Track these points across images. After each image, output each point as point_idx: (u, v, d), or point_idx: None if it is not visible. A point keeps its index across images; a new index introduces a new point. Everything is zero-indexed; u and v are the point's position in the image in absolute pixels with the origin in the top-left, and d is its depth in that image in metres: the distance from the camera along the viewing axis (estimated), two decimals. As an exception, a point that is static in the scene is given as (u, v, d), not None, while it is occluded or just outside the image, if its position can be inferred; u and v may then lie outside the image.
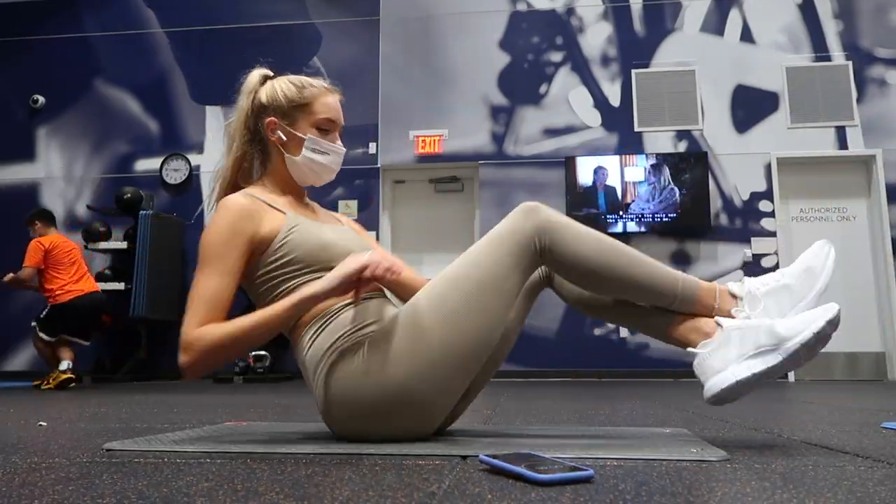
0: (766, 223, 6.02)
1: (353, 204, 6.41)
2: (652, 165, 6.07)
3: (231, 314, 1.40)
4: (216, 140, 6.69)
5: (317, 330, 1.39)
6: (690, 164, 6.05)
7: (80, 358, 5.12)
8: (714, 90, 6.24)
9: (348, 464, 1.12)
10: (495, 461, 1.02)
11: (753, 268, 5.91)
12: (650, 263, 1.38)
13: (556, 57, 6.46)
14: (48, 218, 5.25)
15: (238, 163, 1.53)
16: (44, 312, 4.88)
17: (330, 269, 1.39)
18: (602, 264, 1.35)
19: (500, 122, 6.42)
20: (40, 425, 1.90)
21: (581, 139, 6.31)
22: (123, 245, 6.23)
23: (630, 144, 6.25)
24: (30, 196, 6.82)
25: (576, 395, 3.51)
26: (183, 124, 6.78)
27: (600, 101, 6.36)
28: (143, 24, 6.99)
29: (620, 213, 6.05)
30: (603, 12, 6.49)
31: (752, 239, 6.00)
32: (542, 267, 1.50)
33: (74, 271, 4.98)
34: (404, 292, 1.51)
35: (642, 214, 6.02)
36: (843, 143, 6.05)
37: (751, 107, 6.20)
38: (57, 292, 4.84)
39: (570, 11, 6.52)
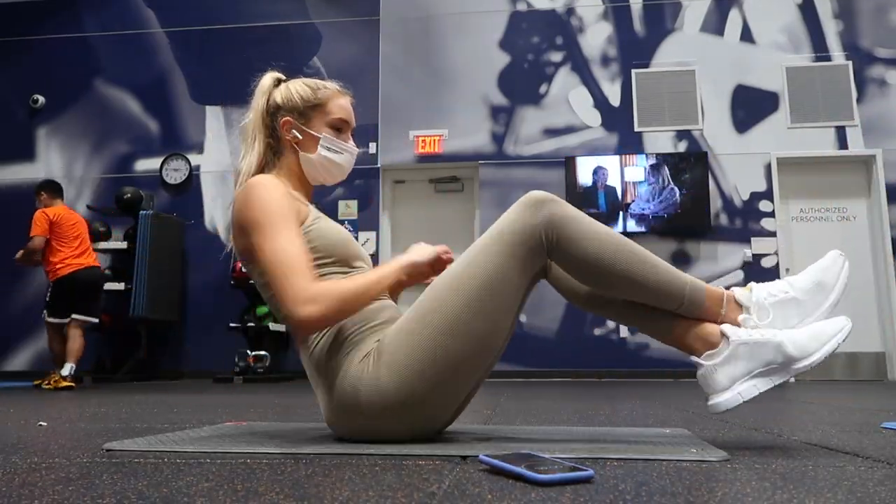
0: (766, 223, 6.02)
1: (353, 204, 6.41)
2: (652, 165, 6.07)
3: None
4: (216, 140, 6.69)
5: (321, 333, 1.38)
6: (690, 164, 6.05)
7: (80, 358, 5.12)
8: (714, 90, 6.25)
9: (348, 464, 1.12)
10: (495, 461, 1.02)
11: (753, 268, 5.91)
12: (660, 265, 1.34)
13: (556, 57, 6.46)
14: (55, 189, 5.21)
15: (263, 156, 1.53)
16: (48, 295, 4.87)
17: (346, 263, 1.43)
18: (611, 263, 1.31)
19: (500, 122, 6.42)
20: (40, 425, 1.90)
21: (581, 139, 6.32)
22: (123, 245, 6.23)
23: (630, 144, 6.25)
24: (30, 196, 6.79)
25: (576, 395, 3.51)
26: (183, 124, 6.79)
27: (600, 101, 6.36)
28: (143, 24, 6.99)
29: (620, 213, 6.05)
30: (603, 12, 6.49)
31: (752, 239, 6.00)
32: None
33: (77, 245, 4.98)
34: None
35: (642, 214, 6.02)
36: (843, 143, 6.05)
37: (751, 107, 6.20)
38: (58, 266, 4.84)
39: (570, 11, 6.52)
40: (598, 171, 6.13)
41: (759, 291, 1.34)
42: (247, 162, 1.51)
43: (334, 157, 1.53)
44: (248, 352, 5.72)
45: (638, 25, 6.45)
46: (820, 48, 6.22)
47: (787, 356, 1.25)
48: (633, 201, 6.05)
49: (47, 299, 4.88)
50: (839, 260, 1.33)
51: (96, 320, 5.11)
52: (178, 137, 6.77)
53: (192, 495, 0.87)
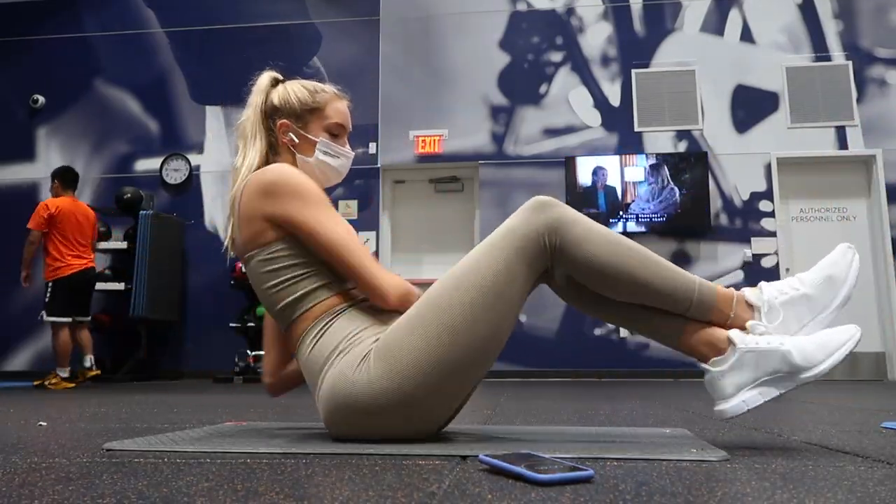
0: (766, 223, 6.02)
1: (354, 204, 6.41)
2: (652, 165, 6.07)
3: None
4: (216, 140, 6.70)
5: (318, 332, 1.37)
6: (690, 164, 6.05)
7: (76, 357, 5.15)
8: (714, 90, 6.25)
9: (348, 464, 1.12)
10: (495, 461, 1.02)
11: (753, 268, 5.91)
12: (667, 267, 1.32)
13: (556, 57, 6.47)
14: (67, 179, 5.13)
15: (265, 154, 1.52)
16: (47, 296, 4.86)
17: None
18: (616, 267, 1.29)
19: (500, 122, 6.42)
20: (40, 425, 1.90)
21: (581, 139, 6.32)
22: (123, 245, 6.23)
23: (630, 144, 6.25)
24: (30, 196, 6.82)
25: (576, 395, 3.51)
26: (183, 124, 6.79)
27: (600, 101, 6.36)
28: (143, 24, 6.99)
29: (620, 213, 6.05)
30: (603, 12, 6.49)
31: (752, 239, 6.00)
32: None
33: (78, 243, 4.97)
34: None
35: (642, 214, 6.02)
36: (843, 143, 6.05)
37: (751, 107, 6.20)
38: (58, 265, 4.85)
39: (570, 11, 6.52)
40: (597, 172, 6.13)
41: (769, 290, 1.32)
42: (249, 158, 1.50)
43: (331, 161, 1.53)
44: (248, 352, 5.72)
45: (638, 25, 6.45)
46: (820, 48, 6.22)
47: (793, 366, 1.24)
48: (633, 201, 6.05)
49: (46, 300, 4.88)
50: (848, 253, 1.31)
51: (88, 318, 5.14)
52: (178, 137, 6.77)
53: (192, 495, 0.87)
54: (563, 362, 5.93)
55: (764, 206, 6.04)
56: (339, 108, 1.54)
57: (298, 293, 1.39)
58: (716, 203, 6.07)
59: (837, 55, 6.18)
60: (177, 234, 6.43)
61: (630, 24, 6.46)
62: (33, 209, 6.23)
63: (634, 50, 6.41)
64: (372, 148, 6.49)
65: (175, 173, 6.69)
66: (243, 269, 1.45)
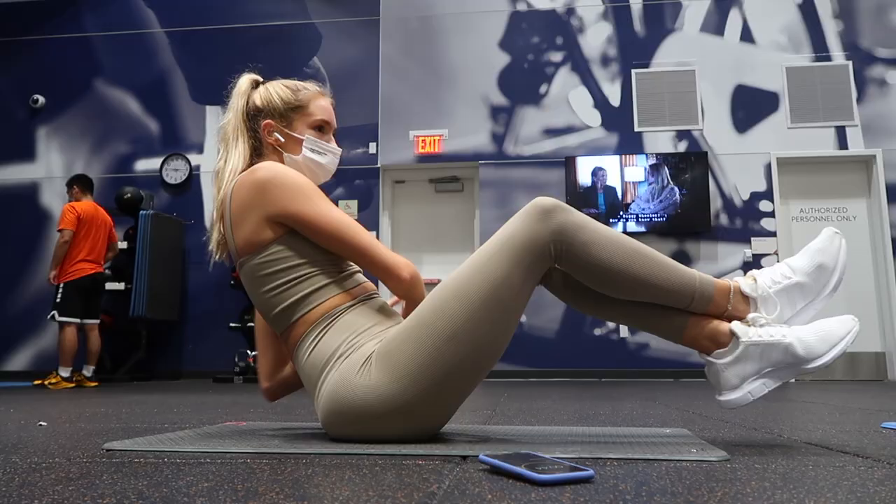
0: (766, 223, 6.02)
1: (354, 204, 6.41)
2: (652, 165, 6.07)
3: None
4: (216, 140, 6.68)
5: (317, 336, 1.37)
6: (690, 164, 6.05)
7: (80, 358, 5.16)
8: (714, 90, 6.25)
9: (348, 464, 1.12)
10: (495, 461, 1.02)
11: (753, 268, 5.89)
12: (669, 264, 1.34)
13: (556, 57, 6.46)
14: (86, 184, 5.30)
15: (249, 157, 1.50)
16: (58, 297, 4.94)
17: (340, 259, 1.43)
18: (620, 268, 1.30)
19: (500, 122, 6.42)
20: (40, 425, 1.90)
21: (581, 139, 6.32)
22: (123, 245, 6.23)
23: (630, 144, 6.25)
24: (30, 196, 6.82)
25: (576, 395, 3.51)
26: (183, 124, 6.79)
27: (600, 101, 6.36)
28: (143, 24, 6.99)
29: (620, 213, 6.05)
30: (603, 12, 6.49)
31: (752, 239, 6.00)
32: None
33: (94, 247, 5.10)
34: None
35: (642, 214, 6.02)
36: (843, 143, 6.05)
37: (751, 107, 6.20)
38: (68, 269, 4.96)
39: (570, 11, 6.52)
40: (597, 172, 6.13)
41: (762, 280, 1.35)
42: (232, 162, 1.48)
43: (318, 158, 1.53)
44: (248, 352, 5.72)
45: (638, 25, 6.45)
46: (820, 48, 6.22)
47: (796, 357, 1.27)
48: (633, 201, 6.05)
49: (57, 300, 4.95)
50: (836, 239, 1.33)
51: (97, 321, 5.23)
52: (178, 137, 6.77)
53: (192, 495, 0.87)
54: (563, 362, 5.93)
55: (764, 206, 6.04)
56: (322, 105, 1.54)
57: (296, 297, 1.38)
58: (716, 203, 6.07)
59: (837, 55, 6.18)
60: (177, 234, 6.43)
61: (630, 24, 6.46)
62: (33, 209, 6.25)
63: (634, 50, 6.41)
64: (372, 148, 6.49)
65: (175, 173, 6.69)
66: (238, 267, 1.43)
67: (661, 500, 0.83)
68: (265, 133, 1.51)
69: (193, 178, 6.67)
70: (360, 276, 1.48)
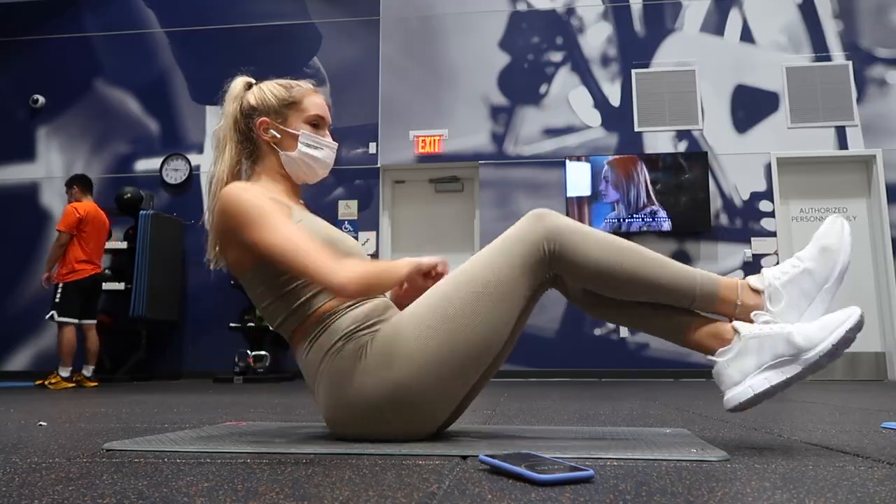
0: (766, 223, 6.02)
1: (354, 204, 6.41)
2: (652, 166, 6.07)
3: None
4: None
5: (318, 331, 1.38)
6: (690, 164, 6.05)
7: (80, 358, 5.18)
8: (714, 90, 6.25)
9: (348, 464, 1.12)
10: (495, 461, 1.02)
11: (754, 268, 5.91)
12: (665, 262, 1.35)
13: (556, 57, 6.46)
14: (86, 184, 5.29)
15: (235, 165, 1.53)
16: (57, 297, 4.95)
17: None
18: (614, 266, 1.32)
19: (500, 122, 6.42)
20: (40, 425, 1.90)
21: (581, 139, 6.32)
22: (123, 245, 6.23)
23: (630, 144, 6.25)
24: (30, 196, 6.82)
25: (576, 395, 3.51)
26: (183, 124, 6.79)
27: (600, 101, 6.36)
28: (143, 24, 6.99)
29: (620, 213, 6.05)
30: (603, 12, 6.49)
31: (752, 239, 6.00)
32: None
33: (93, 248, 5.11)
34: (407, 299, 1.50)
35: (643, 215, 6.02)
36: (843, 143, 6.05)
37: (751, 107, 6.20)
38: (68, 270, 4.96)
39: (570, 11, 6.52)
40: (597, 172, 6.12)
41: (770, 273, 1.34)
42: (219, 169, 1.51)
43: (315, 152, 1.53)
44: (248, 352, 5.72)
45: (638, 25, 6.45)
46: (820, 48, 6.22)
47: (796, 347, 1.24)
48: (633, 201, 6.05)
49: (56, 300, 4.95)
50: (837, 222, 1.33)
51: (94, 321, 5.23)
52: (178, 137, 6.77)
53: (192, 495, 0.87)
54: (563, 362, 5.93)
55: (764, 206, 6.04)
56: (316, 101, 1.55)
57: (294, 305, 1.40)
58: (716, 203, 6.07)
59: (837, 55, 6.18)
60: (177, 234, 6.43)
61: (630, 24, 6.46)
62: (33, 209, 6.26)
63: (634, 50, 6.41)
64: (372, 148, 6.49)
65: (175, 173, 6.69)
66: (234, 282, 1.45)
67: (661, 500, 0.83)
68: (261, 131, 1.52)
69: (193, 178, 6.67)
70: None
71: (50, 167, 6.86)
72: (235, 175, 1.53)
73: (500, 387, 4.39)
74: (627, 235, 5.99)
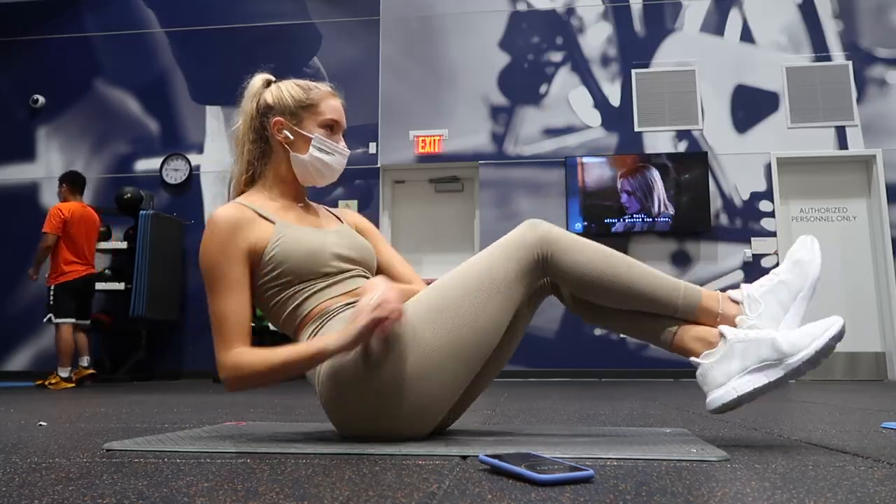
0: (766, 223, 6.02)
1: (353, 204, 6.41)
2: (652, 165, 6.07)
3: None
4: (216, 140, 6.70)
5: (317, 327, 1.40)
6: (690, 164, 6.05)
7: (77, 359, 5.19)
8: (714, 90, 6.25)
9: (348, 464, 1.12)
10: (495, 461, 1.02)
11: (753, 268, 5.91)
12: (651, 273, 1.40)
13: (556, 57, 6.46)
14: (75, 183, 5.23)
15: (249, 166, 1.55)
16: (51, 300, 4.95)
17: (320, 275, 1.43)
18: (602, 274, 1.37)
19: (500, 122, 6.42)
20: (40, 425, 1.90)
21: (581, 139, 6.31)
22: (123, 245, 6.23)
23: (630, 144, 6.25)
24: (30, 196, 6.82)
25: (576, 395, 3.51)
26: (183, 124, 6.79)
27: (600, 101, 6.36)
28: (143, 24, 6.99)
29: (620, 213, 6.05)
30: (603, 12, 6.49)
31: (752, 239, 6.00)
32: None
33: (84, 249, 5.09)
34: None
35: (643, 215, 6.02)
36: (843, 143, 6.05)
37: (751, 107, 6.20)
38: (64, 269, 4.95)
39: (570, 11, 6.52)
40: (597, 172, 6.12)
41: (749, 287, 1.41)
42: (237, 170, 1.55)
43: (325, 157, 1.53)
44: (248, 352, 5.71)
45: (638, 25, 6.45)
46: (820, 48, 6.22)
47: (780, 352, 1.28)
48: (633, 202, 6.05)
49: (50, 303, 4.95)
50: (807, 239, 1.41)
51: (87, 322, 5.25)
52: (178, 137, 6.77)
53: (192, 495, 0.87)
54: (563, 362, 5.93)
55: (764, 206, 6.04)
56: (333, 105, 1.55)
57: (294, 305, 1.43)
58: (716, 203, 6.07)
59: (837, 55, 6.18)
60: (177, 234, 6.43)
61: (630, 24, 6.46)
62: (33, 209, 6.27)
63: (634, 50, 6.41)
64: (372, 148, 6.49)
65: (175, 173, 6.69)
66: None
67: (661, 500, 0.83)
68: (274, 130, 1.52)
69: (193, 178, 6.67)
70: (355, 282, 1.47)
71: (50, 167, 6.86)
72: (249, 175, 1.55)
73: (500, 387, 4.39)
74: (628, 236, 5.99)
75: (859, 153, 6.03)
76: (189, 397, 3.36)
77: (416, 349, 1.31)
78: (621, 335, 5.91)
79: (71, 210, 5.04)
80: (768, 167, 6.08)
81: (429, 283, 1.48)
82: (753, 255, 5.96)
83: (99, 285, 5.67)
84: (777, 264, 5.91)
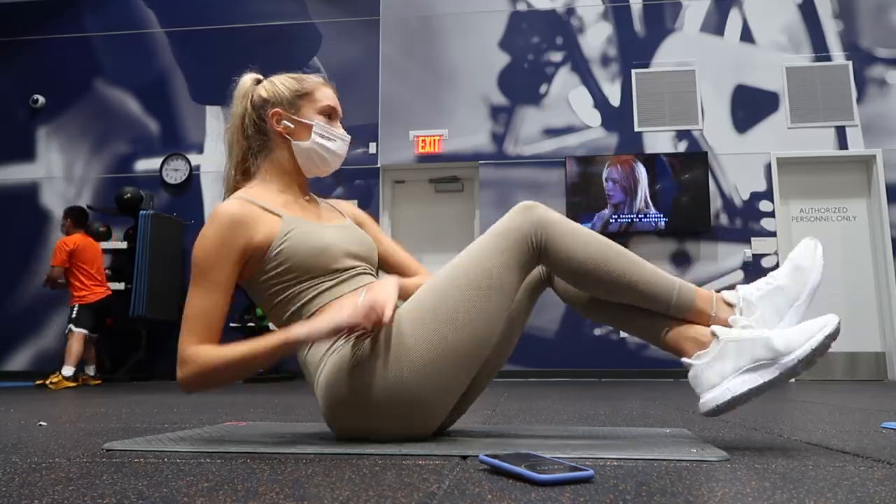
0: (766, 223, 6.02)
1: (353, 204, 6.41)
2: (652, 165, 6.07)
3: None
4: (216, 140, 6.70)
5: None
6: (690, 164, 6.05)
7: (84, 366, 5.28)
8: (714, 90, 6.25)
9: (348, 464, 1.12)
10: (495, 461, 1.02)
11: (753, 268, 5.91)
12: (647, 267, 1.37)
13: (556, 57, 6.46)
14: (79, 219, 5.55)
15: (240, 166, 1.54)
16: (74, 313, 5.28)
17: (328, 271, 1.41)
18: (597, 264, 1.33)
19: (500, 122, 6.42)
20: (40, 425, 1.90)
21: (581, 139, 6.31)
22: (123, 245, 6.23)
23: (630, 144, 6.25)
24: (30, 196, 6.82)
25: (576, 395, 3.51)
26: (183, 124, 6.78)
27: (600, 101, 6.36)
28: (143, 24, 6.99)
29: (620, 213, 6.05)
30: (603, 12, 6.49)
31: (752, 239, 6.00)
32: (542, 266, 1.49)
33: (96, 273, 5.44)
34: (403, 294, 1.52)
35: (642, 214, 6.02)
36: (843, 143, 6.05)
37: (751, 107, 6.20)
38: (84, 294, 5.34)
39: (570, 11, 6.52)
40: (597, 172, 6.12)
41: (745, 289, 1.37)
42: (230, 167, 1.54)
43: (328, 143, 1.52)
44: (248, 352, 5.71)
45: (638, 25, 6.45)
46: (820, 48, 6.22)
47: (774, 351, 1.25)
48: (633, 202, 6.05)
49: (72, 316, 5.29)
50: (811, 243, 1.37)
51: (95, 335, 5.53)
52: (178, 137, 6.77)
53: (192, 495, 0.87)
54: (563, 362, 5.93)
55: (764, 206, 6.04)
56: (328, 92, 1.55)
57: (293, 307, 1.42)
58: (716, 203, 6.07)
59: (837, 55, 6.18)
60: (177, 234, 6.43)
61: (630, 24, 6.46)
62: (33, 209, 6.33)
63: (634, 50, 6.41)
64: (372, 148, 6.49)
65: (175, 173, 6.69)
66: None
67: (661, 500, 0.83)
68: (273, 122, 1.51)
69: (193, 178, 6.67)
70: (361, 279, 1.47)
71: (50, 167, 6.86)
72: (243, 172, 1.54)
73: (500, 387, 4.39)
74: (628, 236, 5.99)
75: (859, 153, 6.03)
76: (189, 397, 3.36)
77: (417, 357, 1.30)
78: (621, 333, 5.92)
79: (75, 242, 5.34)
80: (768, 167, 6.08)
81: None
82: (753, 255, 5.96)
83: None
84: (777, 265, 5.93)
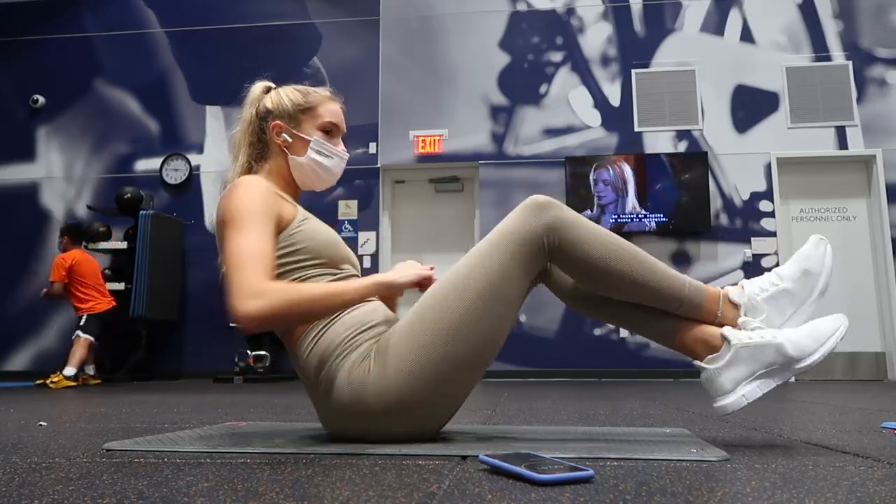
0: (766, 223, 6.02)
1: (353, 204, 6.41)
2: (651, 165, 6.07)
3: (232, 315, 1.36)
4: (216, 140, 6.70)
5: (317, 334, 1.37)
6: (690, 164, 6.05)
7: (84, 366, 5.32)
8: (714, 90, 6.24)
9: (348, 464, 1.12)
10: (495, 461, 1.02)
11: (754, 268, 5.91)
12: (658, 266, 1.36)
13: (556, 57, 6.46)
14: (76, 236, 5.67)
15: (243, 168, 1.54)
16: (82, 321, 5.38)
17: (334, 265, 1.42)
18: (611, 265, 1.32)
19: (500, 122, 6.42)
20: (40, 425, 1.90)
21: (581, 139, 6.31)
22: (123, 245, 6.23)
23: (630, 144, 6.25)
24: (30, 196, 6.82)
25: (576, 395, 3.51)
26: (183, 124, 6.78)
27: (600, 101, 6.36)
28: (143, 24, 6.99)
29: (620, 213, 6.05)
30: (603, 12, 6.49)
31: (752, 239, 6.00)
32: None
33: (98, 285, 5.55)
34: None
35: (642, 214, 6.02)
36: (843, 143, 6.05)
37: (751, 107, 6.20)
38: (90, 305, 5.44)
39: (570, 11, 6.52)
40: (597, 172, 6.12)
41: (750, 288, 1.36)
42: (232, 174, 1.54)
43: (323, 160, 1.52)
44: (248, 352, 5.72)
45: (638, 25, 6.45)
46: (820, 48, 6.22)
47: (787, 357, 1.27)
48: (633, 201, 6.05)
49: (81, 324, 5.38)
50: (821, 245, 1.36)
51: (96, 342, 5.58)
52: (178, 137, 6.77)
53: (192, 495, 0.87)
54: (563, 362, 5.93)
55: (764, 206, 6.04)
56: (331, 109, 1.55)
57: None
58: (716, 203, 6.07)
59: (837, 55, 6.18)
60: (177, 234, 6.43)
61: (630, 24, 6.46)
62: (33, 209, 6.37)
63: (634, 50, 6.40)
64: (372, 148, 6.49)
65: (175, 173, 6.69)
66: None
67: (661, 500, 0.83)
68: (273, 134, 1.52)
69: (193, 178, 6.67)
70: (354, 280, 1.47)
71: (50, 167, 6.86)
72: (247, 173, 1.53)
73: (500, 387, 4.39)
74: (627, 236, 5.98)
75: (859, 153, 6.03)
76: (189, 397, 3.36)
77: (421, 368, 1.29)
78: (621, 333, 5.92)
79: (73, 258, 5.42)
80: (768, 167, 6.08)
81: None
82: (753, 255, 5.96)
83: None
84: (777, 264, 5.93)
